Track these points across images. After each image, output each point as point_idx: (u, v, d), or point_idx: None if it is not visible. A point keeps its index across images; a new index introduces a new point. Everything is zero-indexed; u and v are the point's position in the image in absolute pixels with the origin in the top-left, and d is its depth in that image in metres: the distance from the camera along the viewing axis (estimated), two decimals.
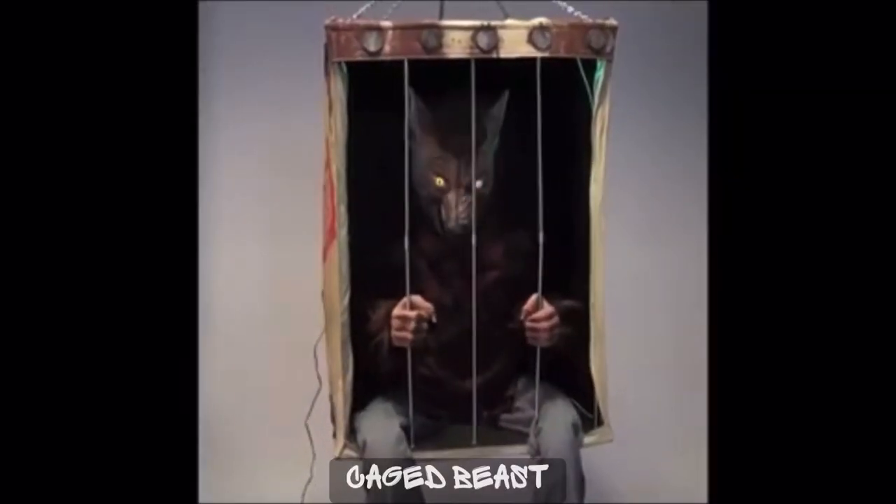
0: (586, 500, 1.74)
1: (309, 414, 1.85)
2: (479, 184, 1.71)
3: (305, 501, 2.01)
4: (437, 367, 1.80)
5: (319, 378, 1.79)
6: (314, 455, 1.90)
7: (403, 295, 1.65)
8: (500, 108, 1.75)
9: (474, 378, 1.73)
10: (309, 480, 1.96)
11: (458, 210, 1.70)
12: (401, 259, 1.63)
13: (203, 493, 1.88)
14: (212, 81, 2.31)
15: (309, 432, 1.88)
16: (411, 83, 1.62)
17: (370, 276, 1.74)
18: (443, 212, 1.72)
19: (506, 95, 1.73)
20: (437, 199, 1.72)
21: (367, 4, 1.65)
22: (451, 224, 1.70)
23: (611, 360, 1.77)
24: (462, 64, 1.59)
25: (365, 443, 1.67)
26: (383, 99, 1.65)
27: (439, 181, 1.71)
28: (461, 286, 1.73)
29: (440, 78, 1.62)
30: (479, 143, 1.68)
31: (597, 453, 1.87)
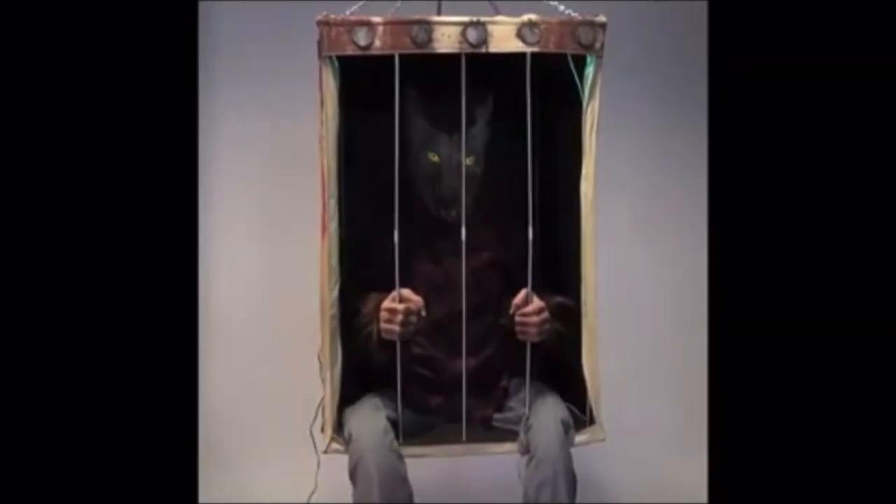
0: (587, 500, 1.73)
1: (314, 420, 1.82)
2: (469, 161, 1.73)
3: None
4: (430, 345, 1.80)
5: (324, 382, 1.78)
6: (319, 463, 1.86)
7: (394, 287, 1.66)
8: (489, 100, 1.78)
9: (464, 373, 1.73)
10: (314, 491, 1.95)
11: (450, 180, 1.72)
12: (392, 250, 1.64)
13: (203, 494, 1.89)
14: (212, 81, 2.33)
15: (313, 438, 1.83)
16: (404, 78, 1.63)
17: (361, 269, 1.76)
18: (436, 185, 1.74)
19: (492, 91, 1.76)
20: (432, 176, 1.75)
21: (362, 2, 1.68)
22: (443, 191, 1.73)
23: (611, 358, 1.77)
24: (454, 59, 1.61)
25: (350, 435, 1.67)
26: (376, 94, 1.67)
27: (433, 156, 1.74)
28: (453, 265, 1.74)
29: (432, 73, 1.63)
30: (469, 126, 1.71)
31: (597, 453, 1.87)
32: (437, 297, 1.74)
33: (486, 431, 1.80)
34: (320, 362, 1.75)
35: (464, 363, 1.73)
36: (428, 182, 1.76)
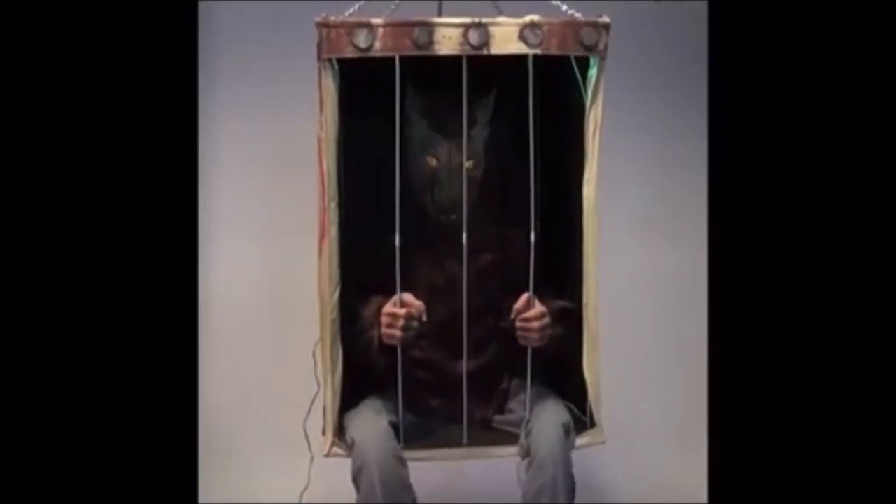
0: (586, 500, 1.73)
1: (307, 416, 1.84)
2: (469, 164, 1.72)
3: (303, 502, 2.00)
4: (431, 348, 1.80)
5: (318, 381, 1.78)
6: (312, 458, 1.88)
7: (395, 291, 1.65)
8: (489, 101, 1.77)
9: (465, 368, 1.73)
10: (306, 486, 1.95)
11: (449, 184, 1.72)
12: (393, 254, 1.63)
13: (203, 494, 1.89)
14: (212, 81, 2.32)
15: (307, 435, 1.86)
16: (405, 79, 1.63)
17: (362, 273, 1.75)
18: (435, 190, 1.74)
19: (493, 92, 1.75)
20: (432, 180, 1.74)
21: (362, 2, 1.67)
22: (443, 196, 1.72)
23: (611, 359, 1.77)
24: (455, 61, 1.60)
25: (353, 440, 1.67)
26: (376, 96, 1.66)
27: (432, 161, 1.74)
28: (454, 268, 1.74)
29: (433, 74, 1.63)
30: (470, 128, 1.70)
31: (597, 453, 1.86)
32: (438, 301, 1.74)
33: (487, 433, 1.80)
34: (315, 359, 1.75)
35: (464, 366, 1.73)
36: (427, 186, 1.75)
